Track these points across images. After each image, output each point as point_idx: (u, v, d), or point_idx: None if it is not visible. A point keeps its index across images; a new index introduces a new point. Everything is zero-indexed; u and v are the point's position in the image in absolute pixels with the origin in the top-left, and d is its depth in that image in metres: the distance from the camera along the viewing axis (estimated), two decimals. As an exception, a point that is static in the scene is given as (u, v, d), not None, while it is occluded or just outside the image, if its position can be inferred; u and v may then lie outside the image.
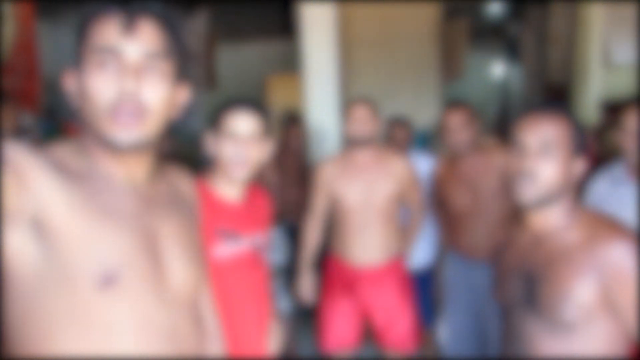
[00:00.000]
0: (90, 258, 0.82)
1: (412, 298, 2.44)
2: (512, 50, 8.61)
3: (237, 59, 6.66)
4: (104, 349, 0.84)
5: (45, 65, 3.28)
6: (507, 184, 2.29)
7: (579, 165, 1.23)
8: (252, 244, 1.56)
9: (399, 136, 3.15)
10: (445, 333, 2.60)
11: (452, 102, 2.49)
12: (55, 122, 4.03)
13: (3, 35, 2.64)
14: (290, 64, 4.86)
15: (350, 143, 2.35)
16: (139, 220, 0.90)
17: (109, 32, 0.84)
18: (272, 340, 1.63)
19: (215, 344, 1.17)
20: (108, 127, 0.85)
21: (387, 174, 2.34)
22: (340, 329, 2.39)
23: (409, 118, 3.29)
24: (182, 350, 0.93)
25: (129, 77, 0.84)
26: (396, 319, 2.37)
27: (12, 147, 0.79)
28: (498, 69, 9.69)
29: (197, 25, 5.15)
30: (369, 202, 2.33)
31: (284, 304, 2.97)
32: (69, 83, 0.90)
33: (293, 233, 2.97)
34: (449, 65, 5.59)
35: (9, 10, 2.68)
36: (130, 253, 0.86)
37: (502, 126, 6.08)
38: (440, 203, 2.61)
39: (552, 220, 1.23)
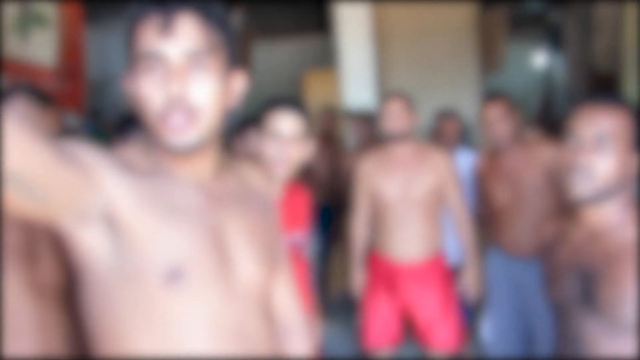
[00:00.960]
0: (157, 254, 0.83)
1: (455, 295, 2.40)
2: (554, 39, 8.34)
3: (273, 56, 6.69)
4: (172, 345, 0.85)
5: (91, 68, 3.39)
6: (554, 178, 2.24)
7: (637, 159, 1.16)
8: (291, 241, 1.57)
9: (448, 130, 3.10)
10: (489, 331, 2.55)
11: (491, 95, 2.44)
12: (100, 123, 4.15)
13: (50, 39, 2.73)
14: (326, 59, 4.86)
15: (386, 138, 2.34)
16: (205, 216, 0.90)
17: (150, 35, 0.83)
18: (313, 336, 1.63)
19: (298, 344, 1.15)
20: (162, 132, 0.84)
21: (426, 169, 2.32)
22: (381, 325, 2.38)
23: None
24: (250, 347, 0.92)
25: (174, 81, 0.82)
26: (439, 318, 2.34)
27: (82, 146, 0.81)
28: (540, 59, 9.42)
29: (233, 22, 5.20)
30: (408, 197, 2.31)
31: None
32: (126, 87, 0.90)
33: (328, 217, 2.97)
34: (488, 56, 5.47)
35: (56, 14, 2.77)
36: (196, 249, 0.87)
37: (545, 119, 5.91)
38: (482, 198, 2.56)
39: (608, 217, 1.18)
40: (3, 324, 1.31)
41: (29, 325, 1.34)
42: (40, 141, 0.72)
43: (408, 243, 2.32)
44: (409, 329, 2.42)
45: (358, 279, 2.45)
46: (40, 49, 2.68)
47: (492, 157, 2.47)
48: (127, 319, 0.84)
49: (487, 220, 2.58)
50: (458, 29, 4.83)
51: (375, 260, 2.42)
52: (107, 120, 4.35)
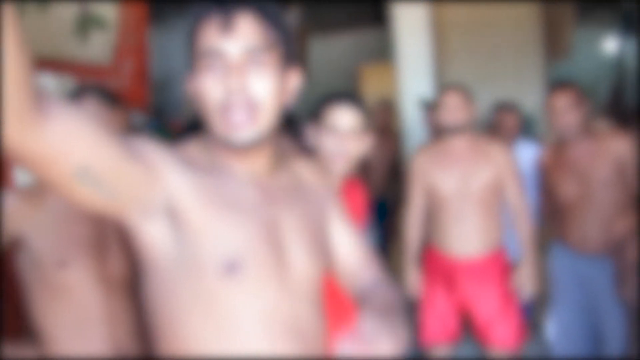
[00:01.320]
0: (215, 246, 0.86)
1: (516, 293, 2.32)
2: (626, 23, 7.87)
3: (329, 50, 6.69)
4: (228, 335, 0.87)
5: (154, 67, 3.50)
6: (625, 171, 2.13)
7: None
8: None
9: (507, 123, 3.00)
10: (553, 330, 2.46)
11: (558, 83, 2.34)
12: (162, 121, 4.30)
13: (109, 39, 2.83)
14: (383, 52, 4.81)
15: (444, 132, 2.29)
16: (261, 211, 0.92)
17: (211, 34, 0.87)
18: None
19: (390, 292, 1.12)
20: (223, 127, 0.87)
21: (485, 163, 2.25)
22: (438, 323, 2.34)
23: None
24: (303, 341, 0.93)
25: (234, 76, 0.85)
26: (499, 315, 2.26)
27: (146, 143, 0.85)
28: (611, 45, 8.91)
29: (289, 19, 5.25)
30: (466, 191, 2.25)
31: None
32: (188, 87, 0.94)
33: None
34: (554, 43, 5.23)
35: (117, 15, 2.86)
36: (252, 242, 0.89)
37: (616, 108, 5.59)
38: (546, 192, 2.47)
39: None
40: (74, 315, 1.38)
41: (99, 316, 1.40)
42: (109, 137, 0.76)
43: (466, 239, 2.27)
44: (468, 327, 2.37)
45: (412, 277, 2.40)
46: (99, 49, 2.76)
47: (558, 150, 2.37)
48: (187, 310, 0.87)
49: (551, 216, 2.48)
50: (520, 16, 4.65)
51: (432, 256, 2.38)
52: (170, 118, 4.50)
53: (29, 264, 1.37)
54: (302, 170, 1.08)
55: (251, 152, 0.92)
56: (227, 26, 0.86)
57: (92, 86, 1.51)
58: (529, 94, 4.39)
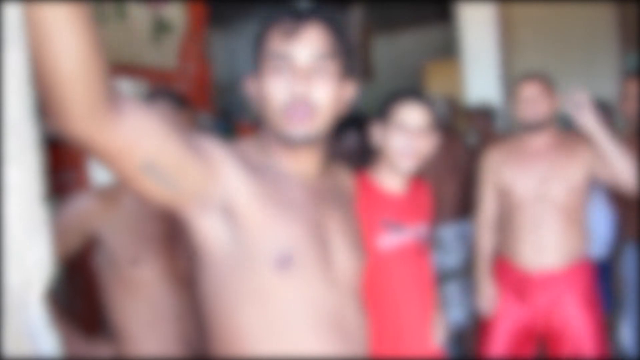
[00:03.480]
0: (269, 242, 0.91)
1: (599, 310, 2.08)
2: None
3: (393, 48, 6.63)
4: (279, 329, 0.91)
5: (220, 70, 3.59)
6: None
7: None
8: (416, 234, 1.55)
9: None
10: (628, 334, 2.32)
11: (630, 72, 2.20)
12: (229, 122, 4.41)
13: (176, 43, 2.91)
14: (449, 50, 4.70)
15: (521, 128, 2.08)
16: (310, 210, 0.98)
17: (280, 39, 0.93)
18: (438, 331, 1.60)
19: None
20: (284, 125, 0.93)
21: (571, 162, 2.00)
22: (510, 341, 2.09)
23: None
24: (349, 337, 0.98)
25: (300, 81, 0.92)
26: (579, 336, 2.01)
27: (207, 140, 0.90)
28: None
29: (353, 18, 5.24)
30: (545, 195, 2.01)
31: (457, 314, 2.84)
32: (250, 88, 1.01)
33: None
34: (629, 32, 4.91)
35: (183, 19, 2.94)
36: (302, 239, 0.94)
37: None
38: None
39: None
40: (147, 310, 1.43)
41: (170, 311, 1.44)
42: (174, 134, 0.80)
43: (543, 249, 2.01)
44: (544, 346, 2.13)
45: (487, 292, 2.13)
46: (167, 54, 2.86)
47: (629, 140, 2.19)
48: (240, 304, 0.91)
49: (623, 215, 2.35)
50: (594, 15, 4.41)
51: (503, 267, 2.14)
52: (236, 119, 4.61)
53: (105, 262, 1.42)
54: (340, 176, 1.19)
55: (304, 151, 0.98)
56: (296, 32, 0.92)
57: (162, 90, 1.57)
58: (603, 88, 4.16)
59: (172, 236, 1.45)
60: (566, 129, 3.05)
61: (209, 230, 0.89)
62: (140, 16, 2.63)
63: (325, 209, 1.02)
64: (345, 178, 1.20)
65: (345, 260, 1.02)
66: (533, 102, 1.99)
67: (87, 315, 1.97)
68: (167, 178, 0.80)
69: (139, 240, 1.41)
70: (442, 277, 2.71)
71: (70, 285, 2.06)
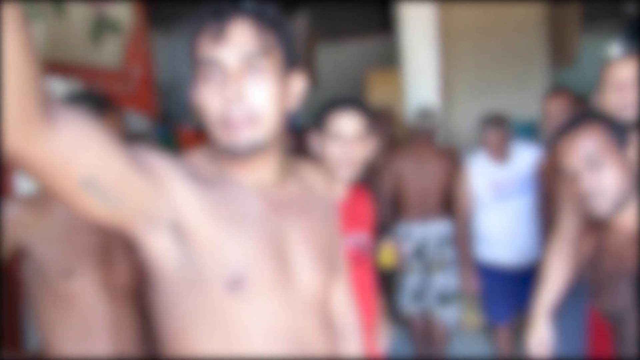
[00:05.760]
0: (219, 262, 0.85)
1: None
2: (631, 29, 7.84)
3: (336, 57, 6.70)
4: (232, 349, 0.87)
5: (160, 73, 3.50)
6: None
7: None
8: (354, 242, 1.56)
9: (492, 136, 2.65)
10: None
11: (554, 89, 2.31)
12: (169, 127, 4.30)
13: (120, 43, 2.82)
14: (390, 59, 4.81)
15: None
16: (267, 224, 0.91)
17: (206, 43, 0.86)
18: (381, 338, 1.62)
19: (352, 344, 1.16)
20: (224, 135, 0.86)
21: None
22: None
23: (511, 111, 3.08)
24: (308, 352, 0.93)
25: (230, 85, 0.84)
26: None
27: (152, 153, 0.84)
28: (615, 51, 8.89)
29: (297, 26, 5.26)
30: None
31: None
32: (191, 96, 0.92)
33: None
34: (559, 50, 5.21)
35: (128, 19, 2.85)
36: (257, 257, 0.88)
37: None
38: (545, 197, 2.47)
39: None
40: (79, 323, 1.37)
41: (104, 324, 1.39)
42: (117, 147, 0.74)
43: None
44: None
45: (541, 334, 1.71)
46: (110, 53, 2.76)
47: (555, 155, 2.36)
48: (191, 323, 0.87)
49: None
50: (526, 24, 4.65)
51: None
52: (177, 124, 4.50)
53: (34, 273, 1.35)
54: (310, 176, 1.07)
55: (255, 160, 0.91)
56: (220, 34, 0.85)
57: (83, 93, 1.47)
58: (533, 101, 4.38)
59: (108, 246, 1.40)
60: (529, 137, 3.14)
61: (159, 248, 0.84)
62: (80, 14, 2.53)
63: (287, 220, 0.94)
64: (317, 179, 1.08)
65: (307, 273, 0.95)
66: (560, 116, 1.88)
67: (11, 327, 1.87)
68: (109, 195, 0.74)
69: (72, 251, 1.34)
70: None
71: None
